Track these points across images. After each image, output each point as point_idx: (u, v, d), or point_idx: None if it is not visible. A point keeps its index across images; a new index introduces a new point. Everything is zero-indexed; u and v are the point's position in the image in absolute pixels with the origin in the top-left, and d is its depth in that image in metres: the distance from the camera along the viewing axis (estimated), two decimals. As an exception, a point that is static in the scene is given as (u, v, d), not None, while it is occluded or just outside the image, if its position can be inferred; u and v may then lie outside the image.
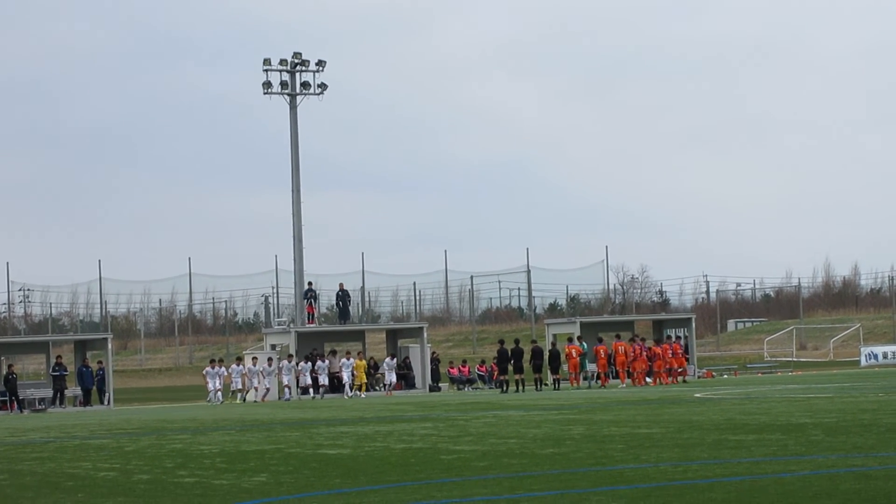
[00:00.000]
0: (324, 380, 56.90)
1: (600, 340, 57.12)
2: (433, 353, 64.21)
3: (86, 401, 54.93)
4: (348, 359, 57.56)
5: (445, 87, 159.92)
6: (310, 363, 57.15)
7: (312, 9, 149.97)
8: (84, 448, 27.06)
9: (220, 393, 55.60)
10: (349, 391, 56.56)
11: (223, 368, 57.17)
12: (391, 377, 58.80)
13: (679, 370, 57.22)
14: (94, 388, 55.75)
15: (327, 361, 57.70)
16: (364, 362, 58.49)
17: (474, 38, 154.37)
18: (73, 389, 55.87)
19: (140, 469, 21.17)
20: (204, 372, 57.81)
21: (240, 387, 56.35)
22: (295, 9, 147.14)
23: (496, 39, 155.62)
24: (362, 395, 56.13)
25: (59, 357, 55.91)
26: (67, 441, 30.04)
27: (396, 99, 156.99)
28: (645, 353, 56.38)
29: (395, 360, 59.57)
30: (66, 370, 55.29)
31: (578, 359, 55.98)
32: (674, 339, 59.51)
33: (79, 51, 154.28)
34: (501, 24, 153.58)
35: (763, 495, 14.73)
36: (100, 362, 56.25)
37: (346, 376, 57.13)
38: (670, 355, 56.94)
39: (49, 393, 54.73)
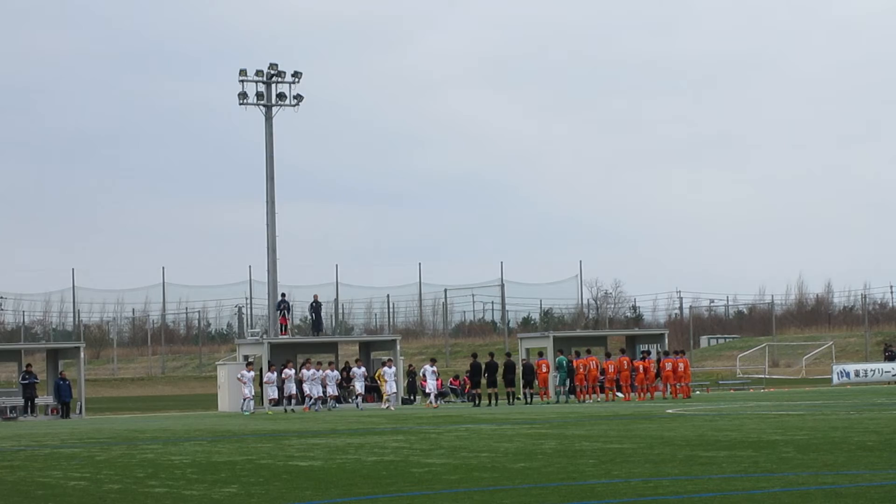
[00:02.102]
0: (291, 389, 55.99)
1: (578, 355, 57.08)
2: (409, 365, 63.86)
3: (64, 414, 54.24)
4: (390, 367, 56.98)
5: (421, 99, 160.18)
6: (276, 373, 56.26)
7: (289, 20, 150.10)
8: (55, 457, 26.96)
9: (251, 401, 53.41)
10: (389, 403, 56.04)
11: (252, 373, 54.68)
12: (432, 385, 58.25)
13: (684, 385, 56.50)
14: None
15: (293, 371, 56.52)
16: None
17: (450, 52, 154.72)
18: (43, 398, 55.55)
19: (111, 478, 21.10)
20: (239, 375, 54.62)
21: (274, 396, 54.83)
22: (272, 20, 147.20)
23: (472, 53, 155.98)
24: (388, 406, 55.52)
25: (28, 365, 55.58)
26: (38, 450, 29.92)
27: (372, 111, 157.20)
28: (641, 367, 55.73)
29: (434, 365, 59.00)
30: (35, 378, 54.97)
31: (549, 373, 55.93)
32: (677, 353, 58.12)
33: (54, 60, 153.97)
34: (477, 38, 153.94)
35: (733, 512, 14.76)
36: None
37: (388, 387, 56.72)
38: (680, 369, 56.02)
39: (20, 401, 54.46)
